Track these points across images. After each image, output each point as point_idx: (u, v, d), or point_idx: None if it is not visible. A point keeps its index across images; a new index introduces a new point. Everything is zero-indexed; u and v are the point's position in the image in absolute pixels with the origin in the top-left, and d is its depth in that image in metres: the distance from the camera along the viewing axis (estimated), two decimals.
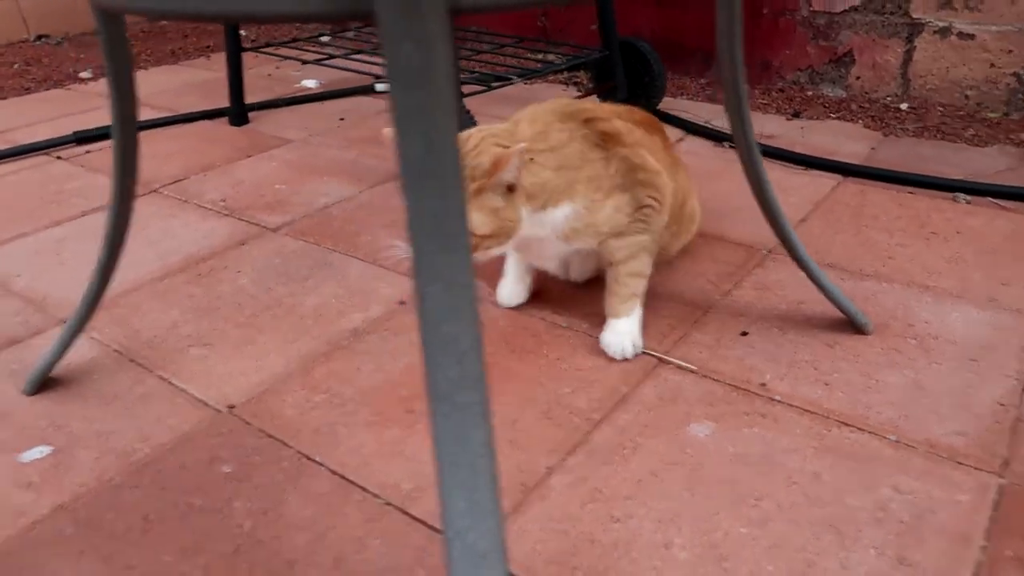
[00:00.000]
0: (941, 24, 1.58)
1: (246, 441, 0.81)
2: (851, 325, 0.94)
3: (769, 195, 0.89)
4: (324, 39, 2.52)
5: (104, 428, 0.84)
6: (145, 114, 1.87)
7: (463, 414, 0.52)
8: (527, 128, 0.89)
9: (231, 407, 0.86)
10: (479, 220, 0.82)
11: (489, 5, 0.47)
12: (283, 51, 1.82)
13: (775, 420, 0.81)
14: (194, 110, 1.87)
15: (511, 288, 1.03)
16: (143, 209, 1.37)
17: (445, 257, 0.49)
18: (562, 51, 1.91)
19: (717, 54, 0.81)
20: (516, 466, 0.76)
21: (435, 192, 0.48)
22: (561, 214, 0.87)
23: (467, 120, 1.39)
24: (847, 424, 0.79)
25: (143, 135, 1.76)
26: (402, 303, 1.05)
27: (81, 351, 0.96)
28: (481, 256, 0.86)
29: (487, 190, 0.82)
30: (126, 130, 0.83)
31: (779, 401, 0.83)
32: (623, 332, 0.92)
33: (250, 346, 0.97)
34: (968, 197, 1.27)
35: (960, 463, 0.74)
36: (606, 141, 0.90)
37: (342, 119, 1.81)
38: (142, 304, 1.07)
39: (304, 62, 1.71)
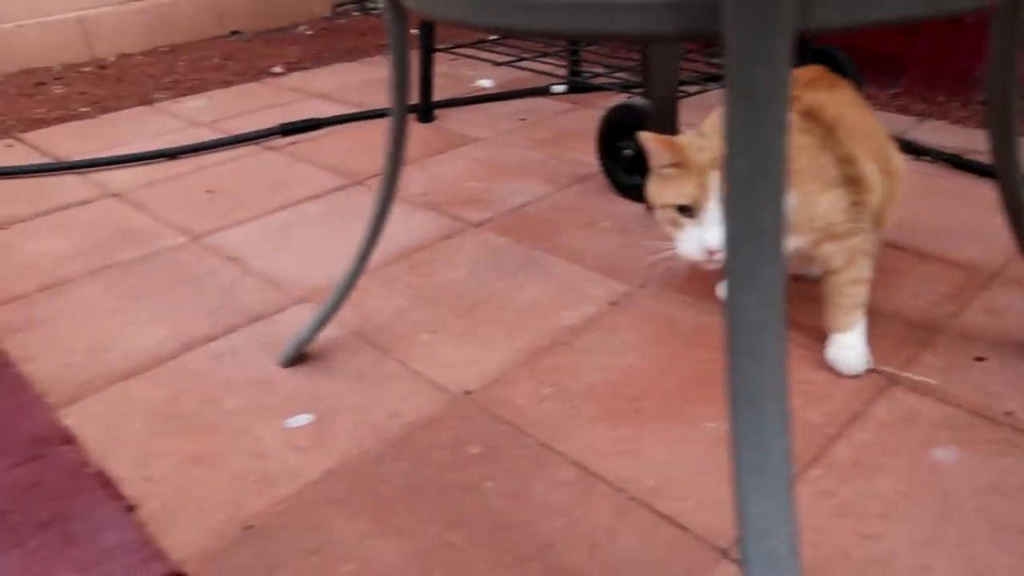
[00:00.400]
0: None
1: (488, 426, 0.86)
2: None
3: (1020, 194, 0.86)
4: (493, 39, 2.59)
5: (356, 403, 0.91)
6: (335, 109, 2.00)
7: (768, 422, 0.53)
8: None
9: (467, 392, 0.92)
10: None
11: (838, 25, 0.49)
12: (469, 51, 1.90)
13: None
14: (382, 107, 1.98)
15: None
16: (355, 199, 1.47)
17: (763, 269, 0.51)
18: None
19: (988, 69, 0.78)
20: None
21: (762, 206, 0.50)
22: None
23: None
24: None
25: (342, 129, 1.88)
26: (614, 304, 1.08)
27: (323, 330, 1.05)
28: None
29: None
30: (400, 126, 0.90)
31: None
32: (851, 347, 0.90)
33: (473, 336, 1.03)
34: None
35: None
36: (809, 122, 0.87)
37: (523, 119, 1.87)
38: (370, 289, 1.15)
39: (496, 64, 1.77)
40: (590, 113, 1.85)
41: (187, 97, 2.23)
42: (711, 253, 0.81)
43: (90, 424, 0.90)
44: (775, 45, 0.46)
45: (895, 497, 0.73)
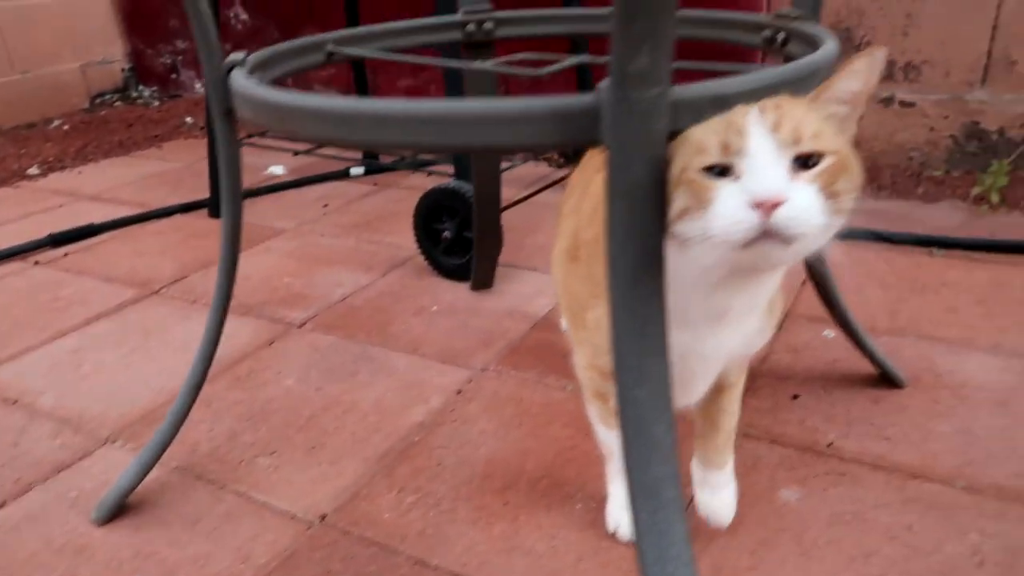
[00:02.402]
0: (884, 94, 1.75)
1: (354, 550, 0.80)
2: (887, 380, 1.02)
3: (825, 268, 0.97)
4: None
5: (198, 552, 0.81)
6: (115, 211, 1.82)
7: (668, 509, 0.55)
8: None
9: (323, 517, 0.85)
10: (830, 141, 0.51)
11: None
12: (263, 141, 1.82)
13: (853, 478, 0.86)
14: (166, 204, 1.83)
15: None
16: (154, 312, 1.33)
17: (651, 360, 0.53)
18: None
19: None
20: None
21: (646, 302, 0.52)
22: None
23: None
24: (919, 476, 0.86)
25: (123, 233, 1.71)
26: (460, 392, 1.06)
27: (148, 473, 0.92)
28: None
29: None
30: (233, 236, 0.83)
31: (850, 460, 0.89)
32: (725, 485, 0.78)
33: (319, 451, 0.96)
34: (942, 251, 1.40)
35: None
36: None
37: (326, 205, 1.82)
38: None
39: (296, 153, 1.72)
40: (395, 194, 1.84)
41: None
42: (771, 206, 0.48)
43: None
44: (653, 149, 0.48)
45: (758, 547, 0.78)
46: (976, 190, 1.61)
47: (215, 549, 0.81)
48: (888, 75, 1.73)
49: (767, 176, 0.48)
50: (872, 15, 1.70)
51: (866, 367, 1.04)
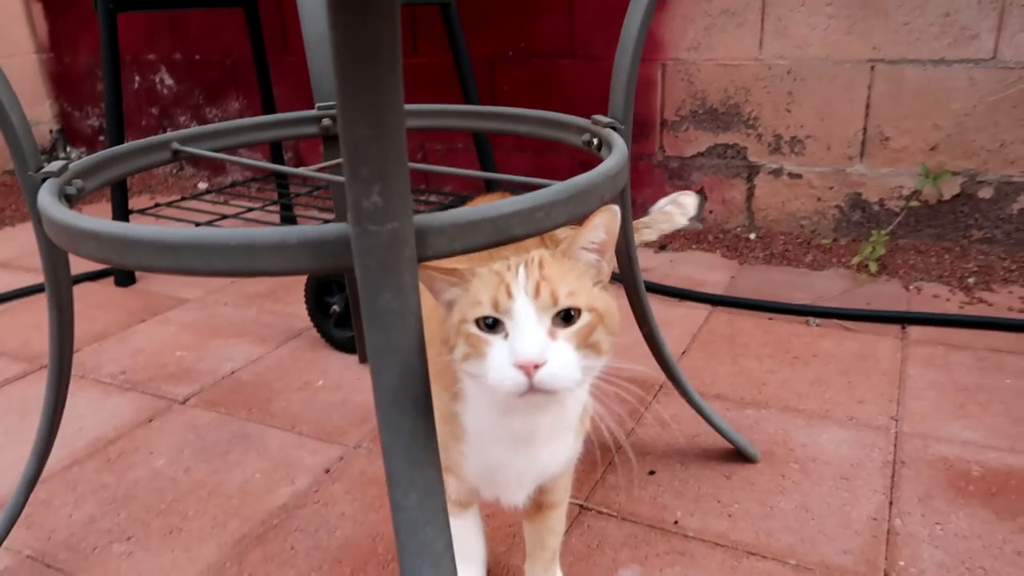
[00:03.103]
0: (774, 166, 1.84)
1: None
2: (741, 455, 1.06)
3: (656, 333, 1.01)
4: (202, 187, 2.54)
5: None
6: (23, 279, 1.81)
7: None
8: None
9: None
10: (585, 298, 0.58)
11: (447, 254, 0.55)
12: (171, 211, 1.84)
13: (692, 557, 0.89)
14: (77, 272, 1.83)
15: None
16: (37, 389, 1.32)
17: (419, 470, 0.56)
18: (443, 195, 2.04)
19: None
20: None
21: (409, 414, 0.54)
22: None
23: None
24: (753, 553, 0.89)
25: (20, 304, 1.70)
26: (328, 472, 1.07)
27: None
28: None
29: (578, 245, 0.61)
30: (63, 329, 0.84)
31: (692, 537, 0.92)
32: None
33: (177, 535, 0.96)
34: (818, 320, 1.47)
35: None
36: None
37: None
38: (53, 499, 1.03)
39: (197, 224, 1.73)
40: None
41: None
42: (532, 367, 0.54)
43: None
44: (400, 276, 0.52)
45: None
46: (856, 259, 1.69)
47: None
48: (776, 148, 1.82)
49: (528, 341, 0.55)
50: (757, 92, 1.80)
51: (725, 442, 1.08)
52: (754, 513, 0.96)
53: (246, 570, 0.90)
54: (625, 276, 0.98)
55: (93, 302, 1.69)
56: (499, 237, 0.56)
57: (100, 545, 0.95)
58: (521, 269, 0.58)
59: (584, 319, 0.57)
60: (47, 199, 0.62)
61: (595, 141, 0.81)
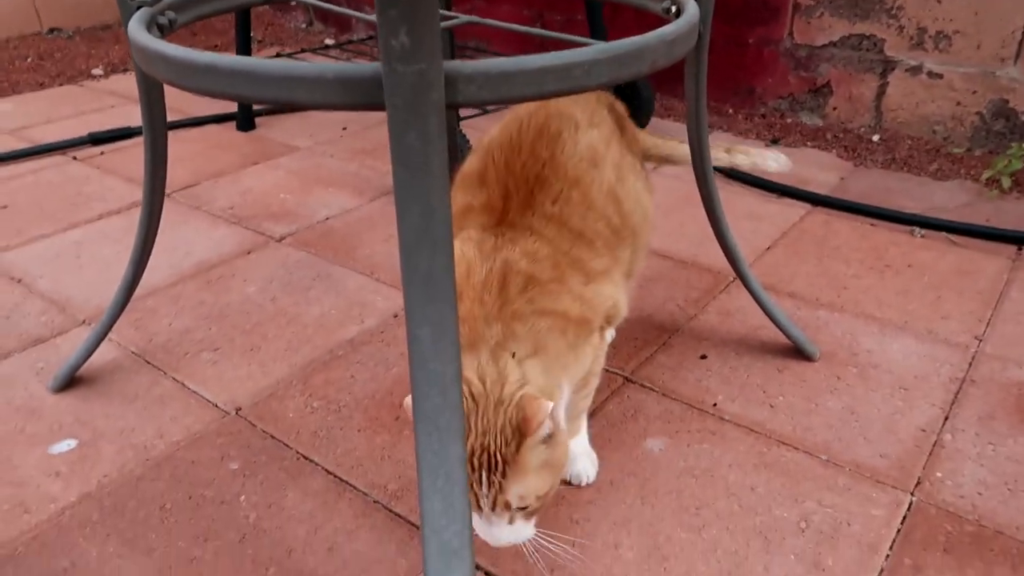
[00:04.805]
0: (913, 63, 1.67)
1: (252, 441, 0.91)
2: (800, 352, 1.05)
3: (723, 224, 0.99)
4: (329, 43, 2.60)
5: (125, 425, 0.93)
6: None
7: (443, 434, 0.62)
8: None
9: (239, 409, 0.96)
10: (535, 484, 0.66)
11: (477, 101, 0.57)
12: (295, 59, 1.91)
13: (722, 438, 0.91)
14: (203, 114, 1.96)
15: None
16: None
17: (433, 306, 0.59)
18: None
19: (685, 80, 0.89)
20: None
21: (429, 253, 0.57)
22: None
23: (461, 140, 1.49)
24: (786, 444, 0.90)
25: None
26: (396, 316, 1.15)
27: (102, 352, 1.06)
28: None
29: (529, 448, 0.66)
30: (156, 155, 0.92)
31: (728, 420, 0.93)
32: (581, 454, 0.85)
33: (256, 353, 1.07)
34: (923, 231, 1.37)
35: (879, 482, 0.84)
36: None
37: (345, 128, 1.91)
38: (158, 309, 1.17)
39: None
40: None
41: None
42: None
43: None
44: (427, 118, 0.54)
45: (603, 485, 0.84)
46: (988, 173, 1.55)
47: (140, 424, 0.93)
48: (918, 43, 1.66)
49: (491, 536, 0.68)
50: None
51: (787, 339, 1.06)
52: (797, 408, 0.95)
53: (309, 389, 0.99)
54: (696, 170, 0.96)
55: (215, 143, 1.82)
56: (531, 91, 0.57)
57: (192, 352, 1.07)
58: (484, 478, 0.66)
59: (535, 505, 0.68)
60: (135, 25, 0.67)
61: (673, 9, 0.78)
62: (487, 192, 0.78)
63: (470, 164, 0.82)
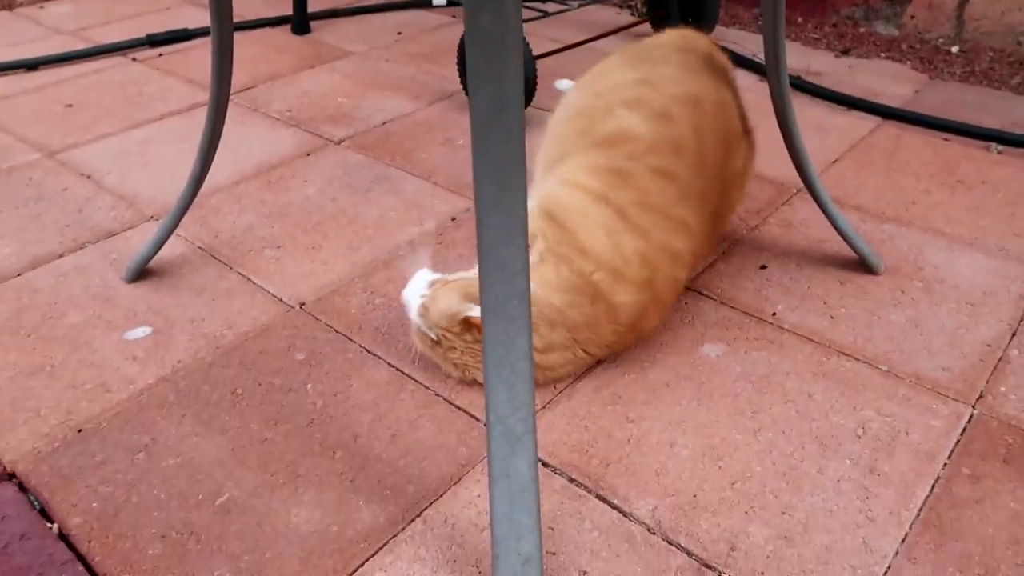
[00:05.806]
0: None
1: (316, 334, 0.94)
2: (864, 265, 1.02)
3: (794, 131, 0.96)
4: None
5: (195, 315, 0.97)
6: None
7: (510, 324, 0.62)
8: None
9: (302, 304, 0.99)
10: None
11: None
12: None
13: (781, 346, 0.90)
14: (258, 17, 1.94)
15: None
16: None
17: (505, 193, 0.59)
18: None
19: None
20: None
21: (500, 139, 0.57)
22: None
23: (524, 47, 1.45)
24: (845, 354, 0.89)
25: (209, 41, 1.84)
26: (454, 219, 1.15)
27: (170, 247, 1.09)
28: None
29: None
30: (223, 51, 0.92)
31: (787, 330, 0.93)
32: None
33: (317, 251, 1.09)
34: (1000, 147, 1.31)
35: (940, 394, 0.83)
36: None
37: (400, 33, 1.87)
38: (221, 207, 1.19)
39: None
40: None
41: (52, 2, 2.13)
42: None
43: None
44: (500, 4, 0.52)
45: (659, 386, 0.85)
46: None
47: (209, 315, 0.97)
48: None
49: None
50: None
51: (850, 251, 1.04)
52: (859, 319, 0.94)
53: (370, 287, 1.01)
54: (770, 76, 0.92)
55: (271, 45, 1.81)
56: None
57: (255, 248, 1.10)
58: None
59: None
60: None
61: None
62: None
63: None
